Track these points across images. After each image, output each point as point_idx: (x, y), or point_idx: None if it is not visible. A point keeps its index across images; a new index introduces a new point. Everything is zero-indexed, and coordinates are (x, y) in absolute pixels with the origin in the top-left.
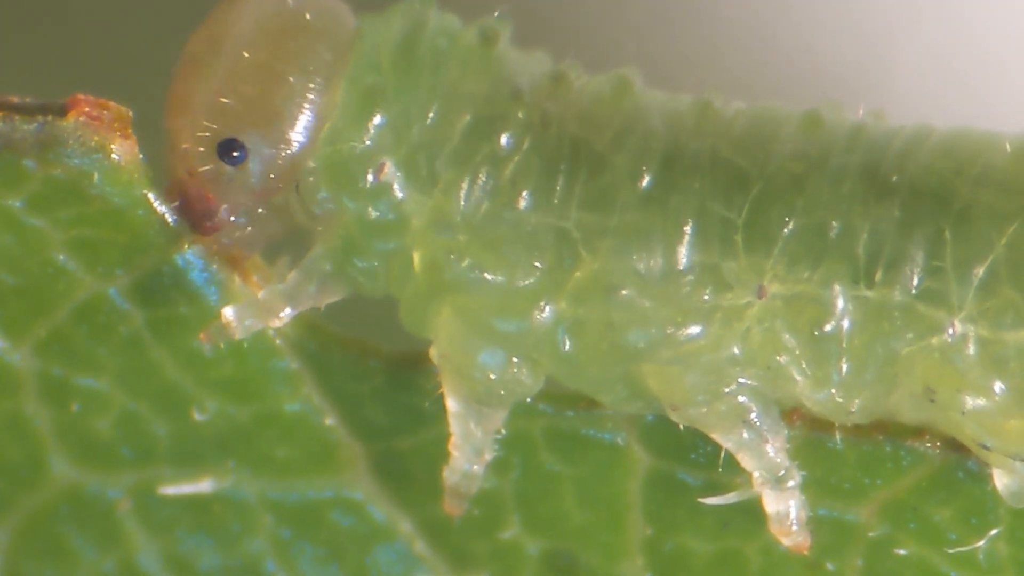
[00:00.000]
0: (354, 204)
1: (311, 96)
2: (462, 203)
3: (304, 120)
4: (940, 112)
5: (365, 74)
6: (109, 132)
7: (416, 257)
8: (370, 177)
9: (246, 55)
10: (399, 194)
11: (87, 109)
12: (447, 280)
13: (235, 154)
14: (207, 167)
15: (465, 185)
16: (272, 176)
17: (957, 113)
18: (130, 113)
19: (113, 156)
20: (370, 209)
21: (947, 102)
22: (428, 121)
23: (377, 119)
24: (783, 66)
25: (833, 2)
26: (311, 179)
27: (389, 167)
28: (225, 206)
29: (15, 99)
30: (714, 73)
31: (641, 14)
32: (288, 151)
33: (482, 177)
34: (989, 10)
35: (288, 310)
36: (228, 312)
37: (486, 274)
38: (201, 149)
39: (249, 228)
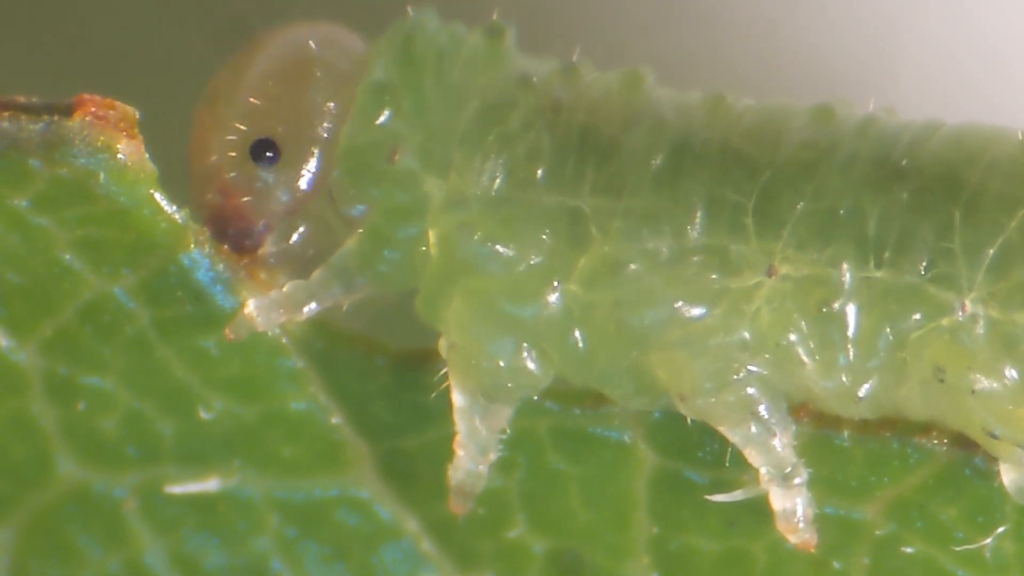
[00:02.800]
0: (377, 191)
1: (333, 97)
2: (475, 181)
3: (329, 119)
4: (947, 110)
5: (373, 75)
6: (115, 132)
7: (431, 236)
8: (387, 164)
9: (270, 64)
10: (418, 178)
11: (93, 109)
12: (459, 258)
13: (269, 154)
14: (239, 173)
15: (478, 164)
16: (305, 177)
17: (964, 111)
18: (136, 113)
19: (119, 156)
20: (392, 194)
21: (954, 101)
22: (437, 111)
23: (387, 112)
24: (791, 66)
25: (841, 1)
26: (340, 180)
27: (403, 151)
28: (263, 221)
29: (21, 99)
30: (722, 73)
31: (649, 14)
32: (317, 150)
33: (495, 156)
34: (996, 9)
35: (313, 305)
36: (252, 305)
37: (498, 247)
38: (233, 154)
39: (290, 240)
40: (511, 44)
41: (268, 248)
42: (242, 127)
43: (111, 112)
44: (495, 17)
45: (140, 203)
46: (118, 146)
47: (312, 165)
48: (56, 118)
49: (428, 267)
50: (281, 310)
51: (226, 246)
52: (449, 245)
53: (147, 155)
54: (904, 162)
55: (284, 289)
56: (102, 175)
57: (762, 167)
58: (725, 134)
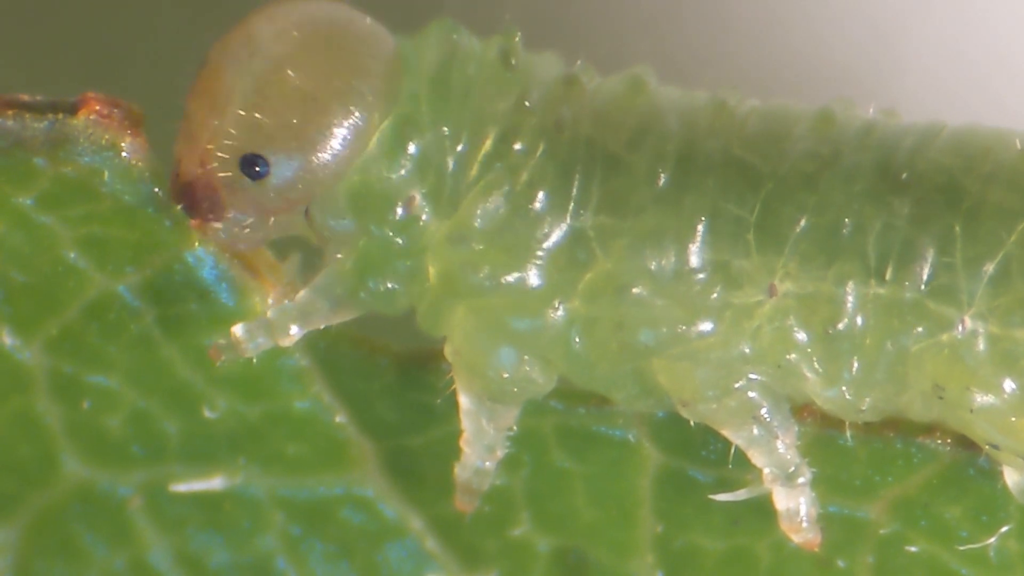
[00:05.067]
0: (379, 232)
1: (348, 127)
2: (479, 212)
3: (337, 150)
4: (952, 108)
5: (403, 105)
6: (120, 130)
7: (432, 271)
8: (400, 210)
9: (287, 74)
10: (424, 222)
11: (98, 107)
12: (462, 290)
13: (257, 169)
14: (225, 174)
15: (484, 197)
16: (288, 197)
17: (969, 109)
18: (141, 111)
19: (123, 154)
20: (395, 237)
21: (959, 98)
22: (460, 147)
23: (412, 149)
24: (796, 62)
25: None
26: (332, 204)
27: (419, 199)
28: (233, 212)
29: (25, 97)
30: (727, 70)
31: (654, 11)
32: (310, 177)
33: (500, 186)
34: (1001, 5)
35: (295, 329)
36: (238, 330)
37: (502, 279)
38: (223, 155)
39: (247, 230)
40: (519, 54)
41: (227, 228)
42: (239, 136)
43: (115, 110)
44: (502, 23)
45: (144, 201)
46: (123, 144)
47: (299, 188)
48: (60, 116)
49: (426, 293)
50: (267, 335)
51: (182, 207)
52: (452, 280)
53: (151, 153)
54: (904, 175)
55: (269, 314)
56: (106, 173)
57: (764, 178)
58: (728, 143)
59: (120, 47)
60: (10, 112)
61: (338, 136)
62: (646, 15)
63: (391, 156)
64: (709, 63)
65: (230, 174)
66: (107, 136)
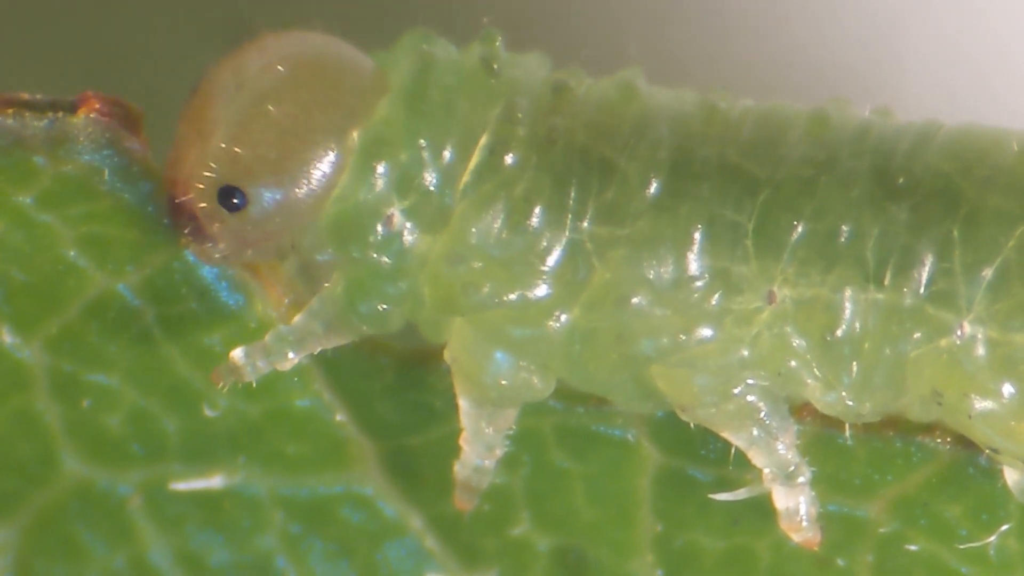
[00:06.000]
0: (362, 255)
1: (325, 162)
2: (474, 230)
3: (314, 183)
4: (952, 107)
5: (375, 127)
6: (120, 129)
7: (427, 292)
8: (380, 229)
9: (269, 109)
10: (409, 239)
11: (98, 106)
12: (463, 308)
13: (235, 201)
14: (204, 204)
15: (478, 212)
16: (266, 230)
17: (969, 108)
18: (141, 110)
19: (123, 153)
20: (380, 258)
21: (959, 97)
22: (444, 160)
23: (382, 167)
24: (796, 61)
25: None
26: (315, 239)
27: (398, 217)
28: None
29: (25, 95)
30: (727, 69)
31: (648, 8)
32: (288, 210)
33: (493, 203)
34: (1001, 5)
35: (291, 354)
36: (238, 354)
37: (505, 297)
38: (202, 186)
39: (229, 254)
40: (501, 56)
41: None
42: (217, 169)
43: (116, 109)
44: (485, 31)
45: (144, 200)
46: (122, 143)
47: (278, 221)
48: (60, 115)
49: (422, 311)
50: (266, 360)
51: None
52: (452, 300)
53: (151, 152)
54: (901, 180)
55: (266, 339)
56: (106, 172)
57: (761, 184)
58: (723, 149)
59: (120, 47)
60: (10, 110)
61: (315, 170)
62: (640, 11)
63: (362, 178)
64: (708, 62)
65: (208, 205)
66: (107, 135)
